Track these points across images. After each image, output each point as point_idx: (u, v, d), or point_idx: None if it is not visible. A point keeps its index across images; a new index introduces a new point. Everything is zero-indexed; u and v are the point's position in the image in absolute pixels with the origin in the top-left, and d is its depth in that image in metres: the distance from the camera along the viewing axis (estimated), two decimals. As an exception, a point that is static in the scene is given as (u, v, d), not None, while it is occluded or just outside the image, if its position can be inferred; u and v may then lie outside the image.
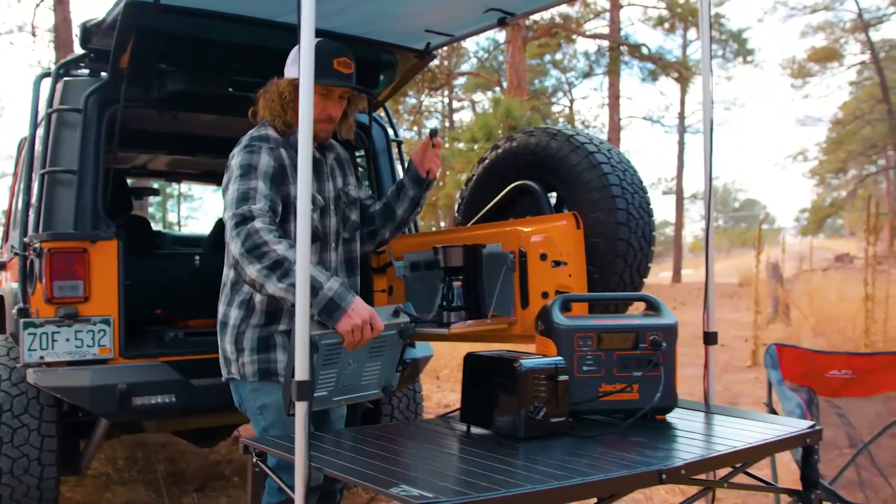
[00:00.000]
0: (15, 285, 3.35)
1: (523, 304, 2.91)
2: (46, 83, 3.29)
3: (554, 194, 3.21)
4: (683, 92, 28.87)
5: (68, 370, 2.99)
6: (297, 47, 2.18)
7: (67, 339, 2.99)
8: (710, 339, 2.37)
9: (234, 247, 2.00)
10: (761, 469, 3.92)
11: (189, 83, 3.17)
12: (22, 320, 2.98)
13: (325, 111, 2.28)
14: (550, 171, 3.09)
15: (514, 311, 2.93)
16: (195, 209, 34.31)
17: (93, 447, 3.49)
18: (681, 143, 31.71)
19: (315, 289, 1.88)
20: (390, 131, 3.96)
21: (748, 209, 69.38)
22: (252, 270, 1.96)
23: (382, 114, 4.01)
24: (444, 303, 2.98)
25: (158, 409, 3.04)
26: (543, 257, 2.85)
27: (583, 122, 32.66)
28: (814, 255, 24.25)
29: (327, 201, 2.38)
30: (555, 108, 32.16)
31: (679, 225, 32.60)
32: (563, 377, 1.93)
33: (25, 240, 3.19)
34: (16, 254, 3.43)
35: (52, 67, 3.31)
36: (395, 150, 3.98)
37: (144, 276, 3.95)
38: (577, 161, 3.00)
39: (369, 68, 3.74)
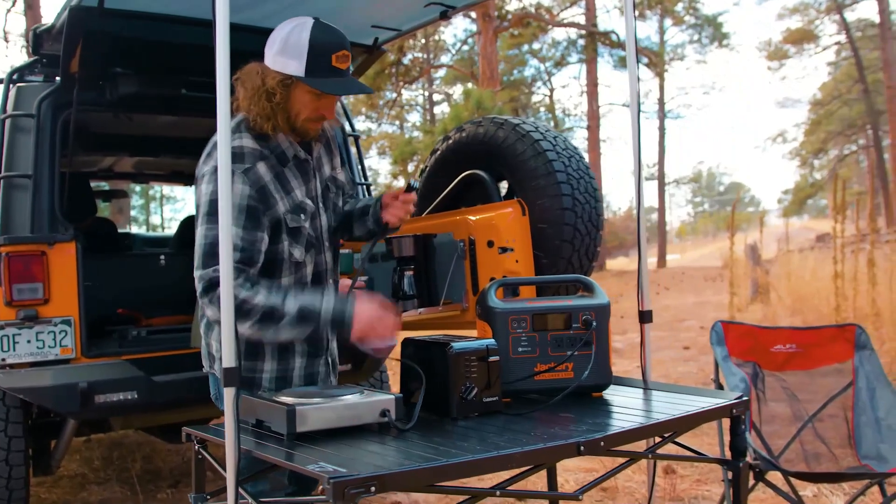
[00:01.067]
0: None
1: (474, 291, 2.98)
2: (0, 90, 3.33)
3: (506, 183, 3.29)
4: (662, 78, 29.04)
5: (30, 371, 3.05)
6: (280, 27, 2.01)
7: (28, 341, 3.04)
8: (644, 317, 2.44)
9: (210, 313, 1.88)
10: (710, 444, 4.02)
11: (140, 86, 3.21)
12: (-18, 323, 3.03)
13: (317, 111, 2.01)
14: (499, 160, 3.17)
15: (465, 297, 3.00)
16: (178, 210, 34.21)
17: (62, 447, 3.54)
18: (661, 129, 31.93)
19: (313, 319, 1.87)
20: (347, 126, 4.02)
21: (733, 193, 69.79)
22: (244, 328, 1.84)
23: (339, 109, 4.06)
24: (395, 292, 3.05)
25: (121, 406, 3.10)
26: (490, 244, 2.92)
27: (563, 111, 32.79)
28: (797, 235, 24.50)
29: (316, 200, 2.14)
30: (535, 98, 32.26)
31: (662, 210, 32.82)
32: (493, 358, 2.00)
33: (-16, 244, 3.24)
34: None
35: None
36: (352, 145, 4.04)
37: (109, 277, 4.00)
38: (524, 149, 3.07)
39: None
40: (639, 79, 2.48)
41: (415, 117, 30.65)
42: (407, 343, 2.14)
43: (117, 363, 3.17)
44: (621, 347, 8.41)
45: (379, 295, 1.96)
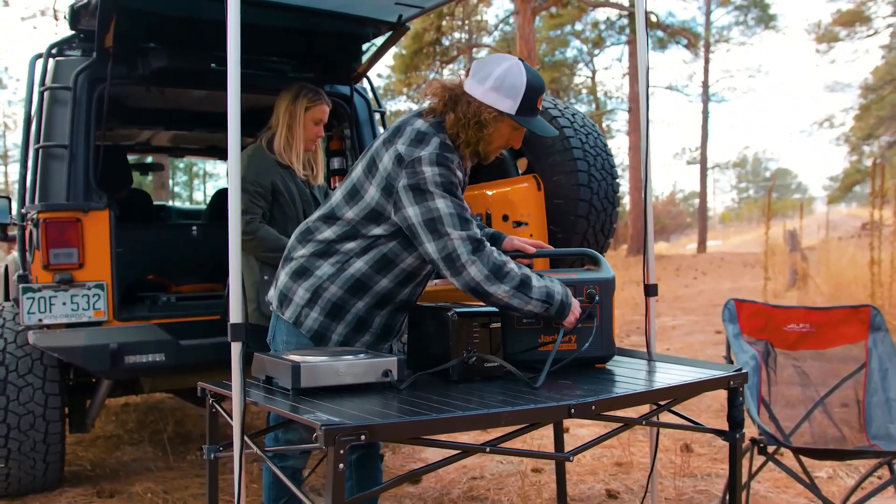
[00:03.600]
0: (16, 255, 3.57)
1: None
2: (41, 63, 3.48)
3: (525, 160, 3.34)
4: (707, 60, 28.53)
5: (65, 331, 3.20)
6: (491, 63, 2.16)
7: (64, 303, 3.19)
8: (650, 290, 2.49)
9: (473, 270, 2.00)
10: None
11: (171, 60, 3.32)
12: (21, 286, 3.18)
13: (509, 142, 2.26)
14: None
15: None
16: (220, 186, 34.72)
17: (97, 406, 3.71)
18: (705, 113, 31.40)
19: (552, 300, 2.06)
20: (373, 102, 4.10)
21: (779, 179, 68.35)
22: (499, 291, 2.00)
23: (366, 85, 4.14)
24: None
25: (149, 367, 3.25)
26: (505, 218, 2.99)
27: (605, 93, 32.41)
28: (843, 223, 23.92)
29: None
30: (576, 80, 31.95)
31: (703, 195, 32.34)
32: (495, 325, 2.07)
33: (23, 211, 3.40)
34: (15, 224, 3.64)
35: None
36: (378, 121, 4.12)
37: (142, 245, 4.16)
38: (541, 126, 3.12)
39: (352, 41, 3.87)
40: (648, 50, 2.51)
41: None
42: (414, 310, 2.22)
43: (147, 327, 3.32)
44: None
45: None
